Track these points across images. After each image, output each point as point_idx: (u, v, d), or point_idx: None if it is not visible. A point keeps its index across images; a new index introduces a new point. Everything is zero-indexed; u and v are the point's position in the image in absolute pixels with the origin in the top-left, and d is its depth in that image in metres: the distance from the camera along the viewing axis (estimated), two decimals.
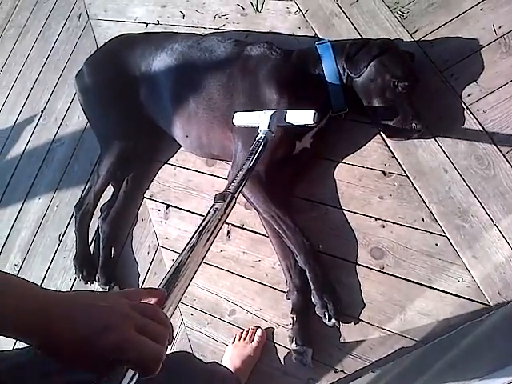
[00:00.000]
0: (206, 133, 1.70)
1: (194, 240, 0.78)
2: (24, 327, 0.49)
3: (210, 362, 1.34)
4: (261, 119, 1.30)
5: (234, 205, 0.93)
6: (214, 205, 0.90)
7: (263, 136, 1.24)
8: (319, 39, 1.84)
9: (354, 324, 1.44)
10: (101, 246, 1.88)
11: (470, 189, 1.45)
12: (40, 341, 0.49)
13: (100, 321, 0.52)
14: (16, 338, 0.49)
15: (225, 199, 0.91)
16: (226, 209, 0.90)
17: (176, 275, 0.68)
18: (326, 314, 1.42)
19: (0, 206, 2.32)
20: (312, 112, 1.27)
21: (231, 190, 0.96)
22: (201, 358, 1.53)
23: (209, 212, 0.87)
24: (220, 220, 0.86)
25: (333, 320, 1.42)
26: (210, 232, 0.81)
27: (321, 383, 1.42)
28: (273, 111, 1.31)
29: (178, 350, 1.61)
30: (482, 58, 1.59)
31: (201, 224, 0.82)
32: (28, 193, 2.26)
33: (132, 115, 1.86)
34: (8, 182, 2.33)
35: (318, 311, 1.44)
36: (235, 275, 1.66)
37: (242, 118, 1.40)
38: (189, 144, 1.80)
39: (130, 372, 0.51)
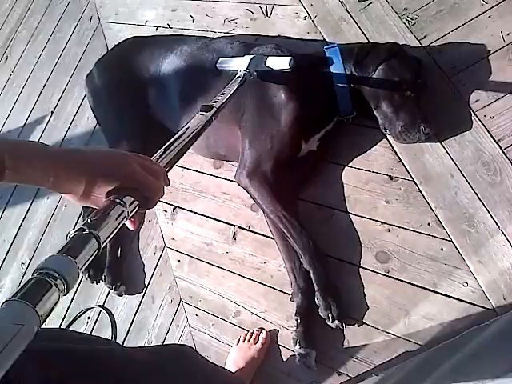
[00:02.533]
0: (214, 132, 1.71)
1: (181, 133, 0.96)
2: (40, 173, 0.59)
3: (216, 365, 1.35)
4: (241, 63, 1.52)
5: (214, 118, 1.14)
6: (200, 112, 1.11)
7: (242, 75, 1.44)
8: (328, 43, 1.85)
9: (359, 327, 1.44)
10: (108, 246, 1.89)
11: (476, 194, 1.46)
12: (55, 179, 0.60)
13: (110, 160, 0.65)
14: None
15: (210, 110, 1.12)
16: (210, 119, 1.12)
17: (165, 152, 0.83)
18: (330, 315, 1.43)
19: (8, 205, 2.34)
20: (288, 58, 1.49)
21: (216, 105, 1.16)
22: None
23: (195, 117, 1.09)
24: (203, 126, 1.07)
25: (336, 322, 1.43)
26: (194, 131, 1.02)
27: None
28: (252, 56, 1.53)
29: None
30: (490, 65, 1.59)
31: (187, 124, 1.03)
32: (36, 192, 2.28)
33: (140, 117, 1.87)
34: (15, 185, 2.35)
35: (322, 313, 1.44)
36: (240, 277, 1.67)
37: (224, 63, 1.61)
38: (196, 145, 1.81)
39: (134, 203, 0.63)
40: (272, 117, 1.57)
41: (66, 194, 0.64)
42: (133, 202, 0.63)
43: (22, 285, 0.47)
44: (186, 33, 2.24)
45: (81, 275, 1.77)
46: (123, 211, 0.61)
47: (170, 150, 0.84)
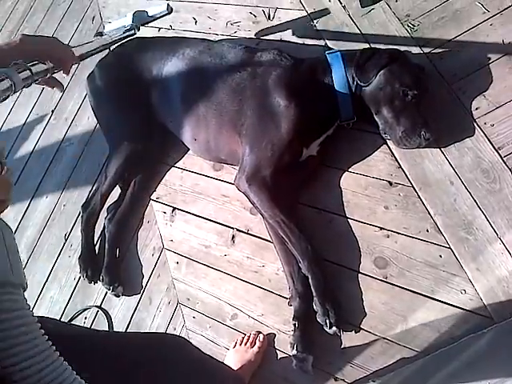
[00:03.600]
0: (214, 136, 1.72)
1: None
2: None
3: (220, 362, 1.35)
4: (126, 20, 1.77)
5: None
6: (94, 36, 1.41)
7: (130, 26, 1.70)
8: (329, 48, 1.86)
9: (356, 332, 1.45)
10: (106, 247, 1.89)
11: (475, 201, 1.46)
12: None
13: (27, 46, 0.95)
14: None
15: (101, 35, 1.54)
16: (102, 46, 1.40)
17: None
18: (327, 321, 1.43)
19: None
20: (165, 4, 1.85)
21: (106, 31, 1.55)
22: None
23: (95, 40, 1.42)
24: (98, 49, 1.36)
25: (334, 328, 1.42)
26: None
27: None
28: (134, 11, 1.80)
29: None
30: (491, 73, 1.60)
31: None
32: (36, 191, 2.28)
33: (141, 118, 1.88)
34: (16, 179, 2.34)
35: (320, 318, 1.44)
36: (238, 280, 1.67)
37: (111, 26, 1.85)
38: (197, 147, 1.82)
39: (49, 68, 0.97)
40: (272, 122, 1.57)
41: None
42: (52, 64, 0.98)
43: None
44: (188, 35, 2.24)
45: (79, 275, 1.75)
46: (48, 67, 0.97)
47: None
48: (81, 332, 0.82)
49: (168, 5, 1.82)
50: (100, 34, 1.48)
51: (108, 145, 1.97)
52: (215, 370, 1.22)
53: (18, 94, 2.57)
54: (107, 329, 1.80)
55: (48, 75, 0.98)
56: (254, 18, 2.14)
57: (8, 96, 0.79)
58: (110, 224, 1.91)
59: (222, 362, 1.46)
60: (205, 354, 1.21)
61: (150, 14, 1.82)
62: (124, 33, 1.66)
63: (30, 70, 0.88)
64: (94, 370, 0.75)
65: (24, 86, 0.88)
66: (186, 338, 1.65)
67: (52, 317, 1.90)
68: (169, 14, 1.82)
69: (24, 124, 2.56)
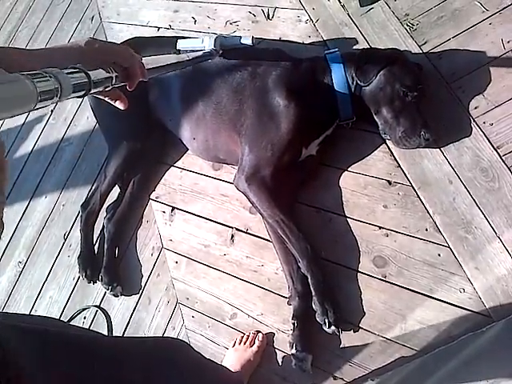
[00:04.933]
0: (213, 136, 1.72)
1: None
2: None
3: (218, 364, 1.35)
4: (205, 43, 1.67)
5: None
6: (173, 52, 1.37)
7: (210, 50, 1.61)
8: (328, 48, 1.86)
9: (355, 332, 1.45)
10: (105, 246, 1.89)
11: (474, 200, 1.46)
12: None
13: (88, 47, 0.83)
14: None
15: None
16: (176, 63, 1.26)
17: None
18: (326, 321, 1.43)
19: (7, 203, 2.33)
20: (250, 36, 1.70)
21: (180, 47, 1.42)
22: None
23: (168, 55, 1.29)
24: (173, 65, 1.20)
25: (332, 327, 1.42)
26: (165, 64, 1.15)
27: None
28: (216, 35, 1.69)
29: None
30: (490, 72, 1.60)
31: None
32: (35, 191, 2.28)
33: (140, 117, 1.87)
34: (15, 179, 2.34)
35: (319, 318, 1.44)
36: (238, 279, 1.67)
37: (186, 43, 1.73)
38: (195, 147, 1.82)
39: (113, 77, 0.82)
40: (272, 122, 1.57)
41: None
42: (116, 73, 0.82)
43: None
44: (187, 34, 2.23)
45: (78, 274, 1.74)
46: (111, 76, 0.81)
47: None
48: (83, 337, 0.81)
49: (253, 37, 1.72)
50: (178, 51, 1.35)
51: (107, 144, 1.97)
52: (215, 374, 1.22)
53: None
54: (106, 328, 1.80)
55: (110, 86, 0.82)
56: (254, 18, 2.14)
57: (51, 100, 0.62)
58: (109, 224, 1.91)
59: (221, 365, 1.46)
60: (204, 357, 1.21)
61: (232, 42, 1.74)
62: (204, 55, 1.57)
63: (87, 74, 0.74)
64: (96, 374, 0.75)
65: (77, 94, 0.72)
66: (185, 340, 1.65)
67: (52, 317, 1.91)
68: (252, 46, 1.73)
69: (23, 124, 2.56)
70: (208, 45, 1.63)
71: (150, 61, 1.05)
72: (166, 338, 1.40)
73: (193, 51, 1.62)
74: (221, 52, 1.66)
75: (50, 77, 0.63)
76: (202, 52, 1.54)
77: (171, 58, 1.19)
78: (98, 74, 0.78)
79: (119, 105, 0.88)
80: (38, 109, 0.60)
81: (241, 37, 1.73)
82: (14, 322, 0.72)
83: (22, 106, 0.56)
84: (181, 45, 1.70)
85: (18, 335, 0.59)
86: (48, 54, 0.76)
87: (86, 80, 0.73)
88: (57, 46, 0.81)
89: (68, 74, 0.69)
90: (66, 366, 0.69)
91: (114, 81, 0.81)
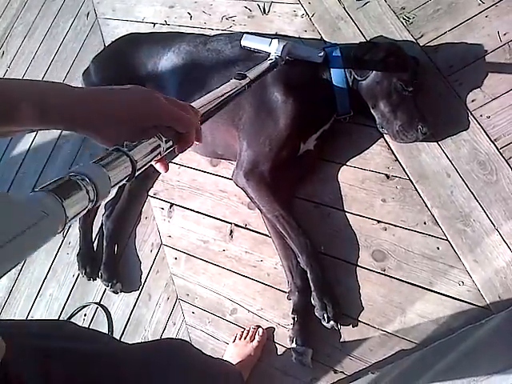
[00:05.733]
0: (211, 132, 1.71)
1: (213, 93, 0.91)
2: (68, 117, 0.57)
3: (216, 358, 1.36)
4: (272, 47, 1.48)
5: (248, 87, 1.07)
6: (234, 77, 1.06)
7: (274, 59, 1.40)
8: (325, 42, 1.86)
9: (354, 325, 1.45)
10: (104, 243, 1.89)
11: (472, 193, 1.46)
12: (81, 122, 0.58)
13: (136, 94, 0.63)
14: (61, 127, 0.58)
15: (244, 78, 1.06)
16: (243, 87, 1.04)
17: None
18: (325, 315, 1.43)
19: None
20: (322, 52, 1.52)
21: (250, 76, 1.08)
22: None
23: (229, 82, 1.03)
24: (237, 92, 1.01)
25: (331, 322, 1.43)
26: (227, 94, 0.96)
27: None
28: (285, 42, 1.48)
29: None
30: (487, 64, 1.60)
31: (220, 86, 0.97)
32: (33, 189, 2.26)
33: None
34: (13, 178, 2.34)
35: (317, 313, 1.45)
36: (237, 274, 1.67)
37: (251, 42, 1.56)
38: (193, 144, 1.81)
39: (167, 142, 0.63)
40: (270, 118, 1.57)
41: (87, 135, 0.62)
42: (168, 139, 0.64)
43: (52, 180, 0.47)
44: (183, 30, 2.23)
45: (77, 272, 1.74)
46: (159, 144, 0.62)
47: (199, 105, 0.82)
48: (85, 350, 0.81)
49: (324, 51, 1.55)
50: (243, 76, 1.08)
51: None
52: (217, 371, 1.23)
53: None
54: (107, 325, 1.80)
55: (158, 157, 0.64)
56: (249, 13, 2.14)
57: (86, 209, 0.49)
58: (108, 221, 1.91)
59: (222, 359, 1.47)
60: (204, 353, 1.21)
61: (301, 53, 1.54)
62: (268, 66, 1.33)
63: (130, 157, 0.57)
64: (97, 378, 0.75)
65: (115, 188, 0.56)
66: (186, 336, 1.66)
67: (51, 315, 1.92)
68: (320, 62, 1.55)
69: None
70: (275, 50, 1.47)
71: (209, 98, 0.88)
72: (165, 340, 1.40)
73: (255, 51, 1.55)
74: (285, 61, 1.48)
75: (83, 179, 0.49)
76: (265, 65, 1.31)
77: (230, 86, 1.01)
78: (145, 149, 0.60)
79: (159, 168, 0.69)
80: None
81: (311, 48, 1.58)
82: (13, 329, 0.72)
83: (46, 238, 0.46)
84: (245, 41, 1.59)
85: (19, 352, 0.59)
86: (95, 103, 0.60)
87: (130, 165, 0.57)
88: (105, 92, 0.63)
89: (106, 162, 0.54)
90: (67, 375, 0.69)
91: (163, 150, 0.63)
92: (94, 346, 0.86)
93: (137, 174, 0.58)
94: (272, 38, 1.51)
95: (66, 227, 0.47)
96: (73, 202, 0.46)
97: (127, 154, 0.56)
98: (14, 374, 0.56)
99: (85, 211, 0.48)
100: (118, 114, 0.60)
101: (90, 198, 0.48)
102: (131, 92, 0.63)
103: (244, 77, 1.06)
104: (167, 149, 0.64)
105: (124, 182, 0.56)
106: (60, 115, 0.56)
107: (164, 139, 0.62)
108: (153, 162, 0.64)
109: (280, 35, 2.00)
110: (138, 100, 0.62)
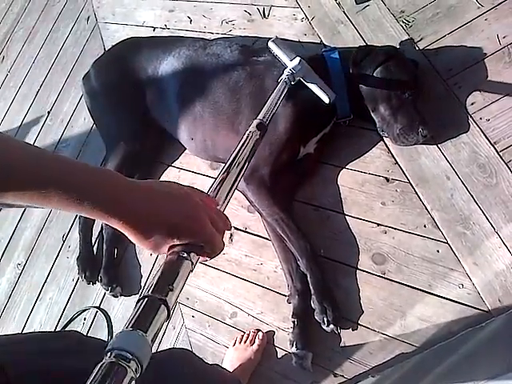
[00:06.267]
0: (211, 136, 1.72)
1: (234, 155, 0.87)
2: (111, 209, 0.54)
3: (212, 365, 1.35)
4: (292, 62, 1.43)
5: (263, 135, 1.03)
6: (252, 130, 1.00)
7: (286, 78, 1.35)
8: (325, 46, 1.86)
9: (354, 329, 1.45)
10: (104, 247, 1.89)
11: (471, 196, 1.46)
12: (122, 221, 0.55)
13: (180, 209, 0.59)
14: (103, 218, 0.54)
15: (263, 129, 1.03)
16: (262, 135, 1.01)
17: (221, 184, 0.77)
18: (325, 319, 1.43)
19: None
20: (334, 94, 1.44)
21: (266, 120, 1.07)
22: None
23: (244, 139, 0.97)
24: (255, 143, 0.97)
25: (331, 326, 1.43)
26: (247, 151, 0.91)
27: None
28: (306, 64, 1.44)
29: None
30: (486, 68, 1.60)
31: (239, 143, 0.92)
32: None
33: (138, 117, 1.88)
34: None
35: (317, 316, 1.45)
36: (237, 278, 1.67)
37: (277, 47, 1.51)
38: (193, 147, 1.82)
39: (196, 257, 0.60)
40: (270, 122, 1.56)
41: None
42: (197, 257, 0.61)
43: (96, 373, 0.44)
44: (183, 34, 2.24)
45: (77, 276, 1.72)
46: (189, 266, 0.59)
47: (227, 178, 0.79)
48: (91, 355, 0.80)
49: (334, 96, 1.44)
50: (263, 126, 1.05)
51: (105, 145, 1.97)
52: (217, 381, 1.23)
53: (14, 96, 2.56)
54: (107, 329, 1.80)
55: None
56: (249, 17, 2.14)
57: None
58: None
59: (218, 365, 1.46)
60: (207, 363, 1.21)
61: (313, 82, 1.44)
62: (278, 88, 1.28)
63: (168, 308, 0.53)
64: None
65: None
66: (186, 340, 1.65)
67: (51, 319, 1.91)
68: (329, 104, 1.44)
69: (20, 126, 2.56)
70: (292, 65, 1.40)
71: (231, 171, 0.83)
72: (169, 351, 1.39)
73: (275, 56, 1.51)
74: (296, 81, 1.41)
75: (128, 361, 0.45)
76: (281, 79, 1.30)
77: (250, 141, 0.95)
78: (180, 283, 0.58)
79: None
80: None
81: (325, 86, 1.47)
82: (13, 352, 0.71)
83: None
84: (272, 44, 1.52)
85: (17, 374, 0.59)
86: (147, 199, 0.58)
87: (166, 317, 0.53)
88: (151, 188, 0.60)
89: (145, 323, 0.50)
90: None
91: (192, 269, 0.60)
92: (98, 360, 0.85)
93: (172, 313, 0.54)
94: (297, 56, 1.46)
95: None
96: None
97: (163, 301, 0.52)
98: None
99: None
100: (161, 231, 0.57)
101: (134, 371, 0.45)
102: (180, 209, 0.60)
103: (263, 126, 1.05)
104: (195, 265, 0.61)
105: (161, 329, 0.52)
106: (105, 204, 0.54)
107: (193, 258, 0.60)
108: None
109: (280, 39, 2.00)
110: (186, 220, 0.59)
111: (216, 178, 0.78)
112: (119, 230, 0.56)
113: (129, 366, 0.44)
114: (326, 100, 1.43)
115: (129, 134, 1.88)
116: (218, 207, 0.71)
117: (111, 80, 1.93)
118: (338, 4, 1.96)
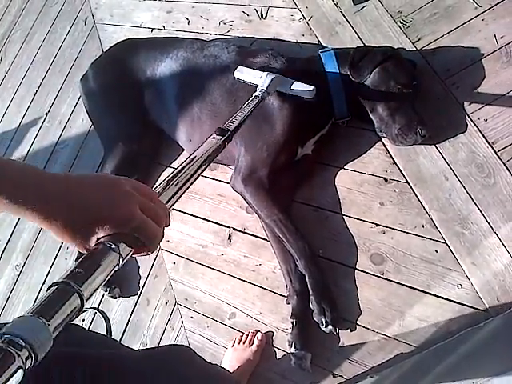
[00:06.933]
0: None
1: (191, 159, 0.83)
2: (24, 205, 0.51)
3: (212, 364, 1.35)
4: (261, 79, 1.46)
5: (228, 143, 0.99)
6: (213, 135, 0.98)
7: (260, 94, 1.36)
8: (322, 47, 1.86)
9: (353, 329, 1.45)
10: None
11: (470, 196, 1.47)
12: (39, 218, 0.52)
13: (106, 197, 0.56)
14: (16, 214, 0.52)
15: (224, 134, 0.99)
16: (223, 143, 0.96)
17: (169, 182, 0.72)
18: (324, 320, 1.43)
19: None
20: (312, 87, 1.46)
21: (231, 128, 1.03)
22: None
23: (206, 141, 0.95)
24: (215, 150, 0.92)
25: (330, 327, 1.43)
26: (206, 156, 0.87)
27: None
28: (274, 75, 1.46)
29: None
30: (484, 68, 1.60)
31: (199, 148, 0.89)
32: None
33: (136, 119, 1.88)
34: None
35: (316, 317, 1.45)
36: (236, 279, 1.67)
37: (243, 74, 1.56)
38: (192, 148, 1.82)
39: (127, 249, 0.56)
40: (267, 123, 1.57)
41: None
42: (128, 249, 0.57)
43: None
44: (181, 35, 2.24)
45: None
46: (115, 259, 0.54)
47: (176, 179, 0.74)
48: (86, 352, 0.81)
49: (314, 89, 1.47)
50: (223, 130, 1.00)
51: (103, 147, 1.97)
52: (218, 379, 1.22)
53: (11, 97, 2.55)
54: (105, 330, 1.80)
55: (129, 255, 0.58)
56: (247, 17, 2.14)
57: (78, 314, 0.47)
58: None
59: (221, 366, 1.46)
60: (207, 362, 1.21)
61: (290, 88, 1.49)
62: (254, 103, 1.28)
63: (81, 295, 0.50)
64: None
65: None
66: (184, 340, 1.65)
67: None
68: (310, 98, 1.49)
69: (18, 127, 2.55)
70: (262, 83, 1.44)
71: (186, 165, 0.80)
72: (170, 347, 1.39)
73: (247, 83, 1.53)
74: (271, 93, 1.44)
75: (19, 348, 0.41)
76: (249, 109, 1.24)
77: (208, 147, 0.92)
78: (100, 276, 0.52)
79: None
80: None
81: (302, 84, 1.50)
82: None
83: None
84: (238, 74, 1.58)
85: None
86: (65, 192, 0.54)
87: (79, 304, 0.49)
88: (78, 181, 0.58)
89: (49, 309, 0.46)
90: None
91: (121, 261, 0.56)
92: (101, 352, 0.86)
93: (85, 305, 0.50)
94: (265, 72, 1.48)
95: None
96: (5, 377, 0.40)
97: (76, 290, 0.48)
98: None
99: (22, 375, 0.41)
100: (84, 221, 0.54)
101: (23, 360, 0.41)
102: (104, 195, 0.57)
103: (224, 132, 1.00)
104: (125, 259, 0.56)
105: (70, 319, 0.48)
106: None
107: (123, 249, 0.55)
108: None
109: (277, 40, 2.01)
110: (112, 205, 0.56)
111: (167, 176, 0.74)
112: (44, 227, 0.54)
113: (18, 354, 0.41)
114: (309, 96, 1.47)
115: (127, 135, 1.88)
116: (160, 199, 0.65)
117: (109, 81, 1.93)
118: (336, 4, 1.96)
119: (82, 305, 0.49)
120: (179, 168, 0.78)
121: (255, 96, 1.34)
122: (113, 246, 0.54)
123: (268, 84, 1.42)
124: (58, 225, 0.53)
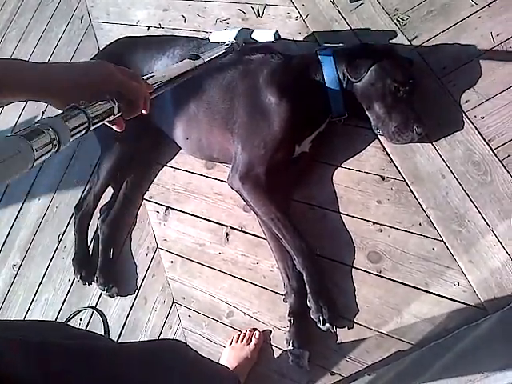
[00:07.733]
0: (206, 135, 1.71)
1: (167, 70, 1.07)
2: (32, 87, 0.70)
3: (212, 362, 1.35)
4: (230, 34, 1.64)
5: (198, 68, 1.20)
6: (188, 57, 1.21)
7: (230, 44, 1.55)
8: (319, 45, 1.86)
9: (351, 327, 1.45)
10: (100, 247, 1.88)
11: (466, 194, 1.47)
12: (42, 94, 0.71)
13: (92, 64, 0.78)
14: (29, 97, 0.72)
15: (197, 59, 1.22)
16: (196, 67, 1.20)
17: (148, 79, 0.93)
18: (321, 318, 1.43)
19: (0, 205, 2.33)
20: (273, 31, 1.64)
21: (204, 58, 1.26)
22: None
23: (183, 61, 1.19)
24: (189, 70, 1.16)
25: (327, 325, 1.43)
26: (179, 72, 1.10)
27: None
28: (240, 27, 1.69)
29: None
30: (480, 65, 1.60)
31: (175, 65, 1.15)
32: (28, 193, 2.27)
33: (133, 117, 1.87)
34: (6, 185, 2.33)
35: (313, 315, 1.45)
36: (233, 277, 1.67)
37: (216, 36, 1.72)
38: (189, 146, 1.82)
39: (115, 108, 0.76)
40: (264, 120, 1.57)
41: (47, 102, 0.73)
42: (118, 103, 0.76)
43: (24, 128, 0.59)
44: (177, 33, 2.23)
45: (73, 276, 1.72)
46: (112, 107, 0.75)
47: (153, 78, 0.95)
48: (83, 346, 0.81)
49: (277, 32, 1.64)
50: (197, 56, 1.21)
51: (99, 145, 1.96)
52: (214, 373, 1.23)
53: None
54: (103, 329, 1.80)
55: (111, 118, 0.77)
56: (244, 15, 2.14)
57: (50, 153, 0.61)
58: (104, 225, 1.90)
59: (219, 363, 1.46)
60: (203, 356, 1.21)
61: (254, 37, 1.68)
62: (223, 50, 1.50)
63: (87, 114, 0.70)
64: (99, 374, 0.75)
65: (75, 137, 0.68)
66: (182, 339, 1.65)
67: (48, 319, 1.91)
68: (275, 42, 1.65)
69: (15, 126, 2.55)
70: (232, 37, 1.62)
71: (163, 73, 1.01)
72: (164, 341, 1.39)
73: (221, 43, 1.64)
74: (241, 45, 1.62)
75: (47, 129, 0.61)
76: (220, 49, 1.46)
77: (183, 66, 1.14)
78: (98, 108, 0.73)
79: (116, 128, 0.83)
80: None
81: (265, 30, 1.71)
82: (8, 332, 0.71)
83: (19, 171, 0.56)
84: (213, 38, 1.72)
85: (12, 348, 0.59)
86: (49, 70, 0.73)
87: (86, 120, 0.69)
88: (63, 64, 0.76)
89: (65, 116, 0.67)
90: (66, 376, 0.69)
91: (115, 112, 0.76)
92: (92, 343, 0.86)
93: (92, 128, 0.71)
94: (233, 28, 1.69)
95: (35, 165, 0.58)
96: (39, 145, 0.58)
97: (83, 111, 0.70)
98: (5, 375, 0.56)
99: (50, 153, 0.61)
100: (77, 79, 0.73)
101: (53, 143, 0.61)
102: (88, 62, 0.79)
103: (197, 57, 1.21)
104: (118, 111, 0.76)
105: (82, 133, 0.70)
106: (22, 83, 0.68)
107: (117, 104, 0.75)
108: (109, 124, 0.79)
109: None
110: (94, 68, 0.76)
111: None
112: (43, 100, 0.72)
113: (48, 132, 0.60)
114: (273, 38, 1.64)
115: (124, 134, 1.87)
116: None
117: None
118: (332, 2, 1.96)
119: (89, 123, 0.70)
120: (155, 73, 0.99)
121: (226, 45, 1.53)
122: (108, 96, 0.75)
123: (236, 35, 1.62)
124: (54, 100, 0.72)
